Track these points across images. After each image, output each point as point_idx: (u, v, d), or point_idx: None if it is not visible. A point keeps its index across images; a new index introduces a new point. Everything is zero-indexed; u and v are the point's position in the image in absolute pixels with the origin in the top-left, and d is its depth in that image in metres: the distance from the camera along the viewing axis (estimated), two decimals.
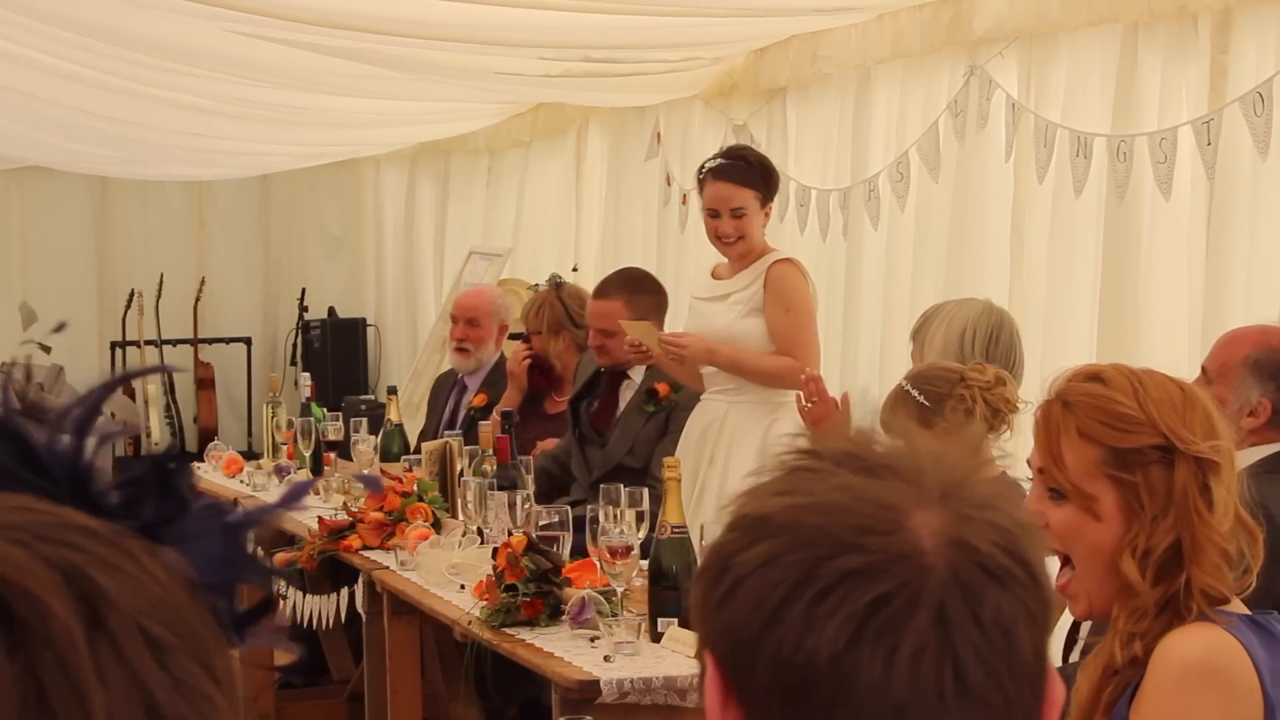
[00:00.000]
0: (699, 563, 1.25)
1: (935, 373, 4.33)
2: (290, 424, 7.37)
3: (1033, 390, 5.62)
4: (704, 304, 5.86)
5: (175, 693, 0.81)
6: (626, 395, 6.35)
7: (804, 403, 4.97)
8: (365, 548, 5.50)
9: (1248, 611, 2.37)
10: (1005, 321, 5.13)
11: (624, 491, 4.72)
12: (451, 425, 6.93)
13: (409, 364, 11.21)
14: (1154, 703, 2.28)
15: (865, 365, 7.01)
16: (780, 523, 1.14)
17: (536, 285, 7.55)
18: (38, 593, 0.78)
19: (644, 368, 6.29)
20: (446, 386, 7.52)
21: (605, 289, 6.52)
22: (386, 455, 6.57)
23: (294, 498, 1.02)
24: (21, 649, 0.77)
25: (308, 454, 7.05)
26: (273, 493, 6.89)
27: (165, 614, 0.82)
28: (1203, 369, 4.08)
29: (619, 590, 4.33)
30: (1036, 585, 1.14)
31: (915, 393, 4.24)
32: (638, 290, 6.50)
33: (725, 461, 5.63)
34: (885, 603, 1.10)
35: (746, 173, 5.71)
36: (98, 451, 0.87)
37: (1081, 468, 2.35)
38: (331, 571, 5.83)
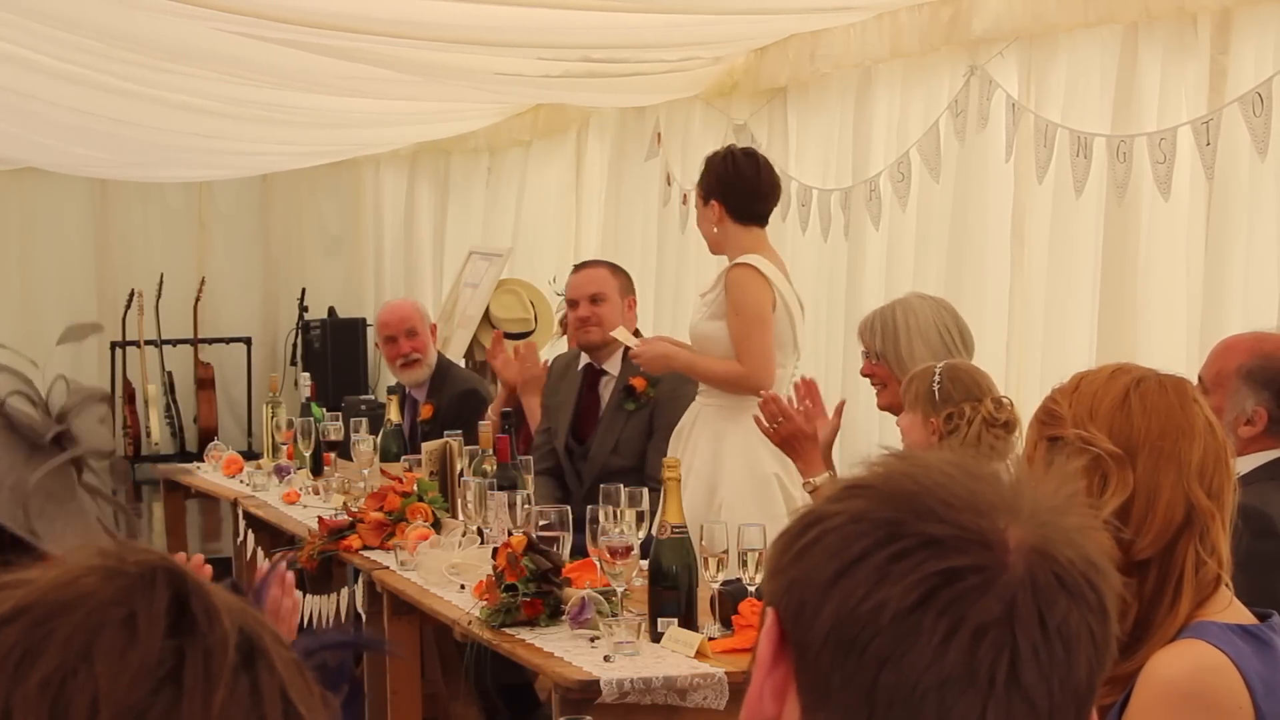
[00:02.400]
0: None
1: (964, 379, 4.36)
2: (290, 424, 7.37)
3: (1029, 389, 5.63)
4: (697, 301, 5.90)
5: None
6: (608, 391, 6.34)
7: (766, 424, 4.87)
8: (365, 548, 5.50)
9: (1250, 618, 2.36)
10: (950, 305, 5.16)
11: (624, 492, 4.72)
12: (413, 440, 6.84)
13: None
14: None
15: None
16: (876, 486, 1.17)
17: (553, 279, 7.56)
18: (217, 607, 0.92)
19: (620, 361, 6.30)
20: (399, 404, 7.43)
21: (586, 263, 6.70)
22: (386, 455, 6.56)
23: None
24: (181, 635, 0.90)
25: (308, 454, 7.05)
26: (272, 493, 6.89)
27: (309, 703, 0.94)
28: (1199, 378, 4.08)
29: (619, 590, 4.33)
30: (1105, 616, 1.16)
31: (935, 382, 4.29)
32: (614, 266, 6.62)
33: (690, 462, 5.62)
34: (958, 576, 1.12)
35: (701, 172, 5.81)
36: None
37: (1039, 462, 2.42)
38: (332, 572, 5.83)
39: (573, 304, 6.40)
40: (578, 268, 6.62)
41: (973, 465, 1.19)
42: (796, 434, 4.81)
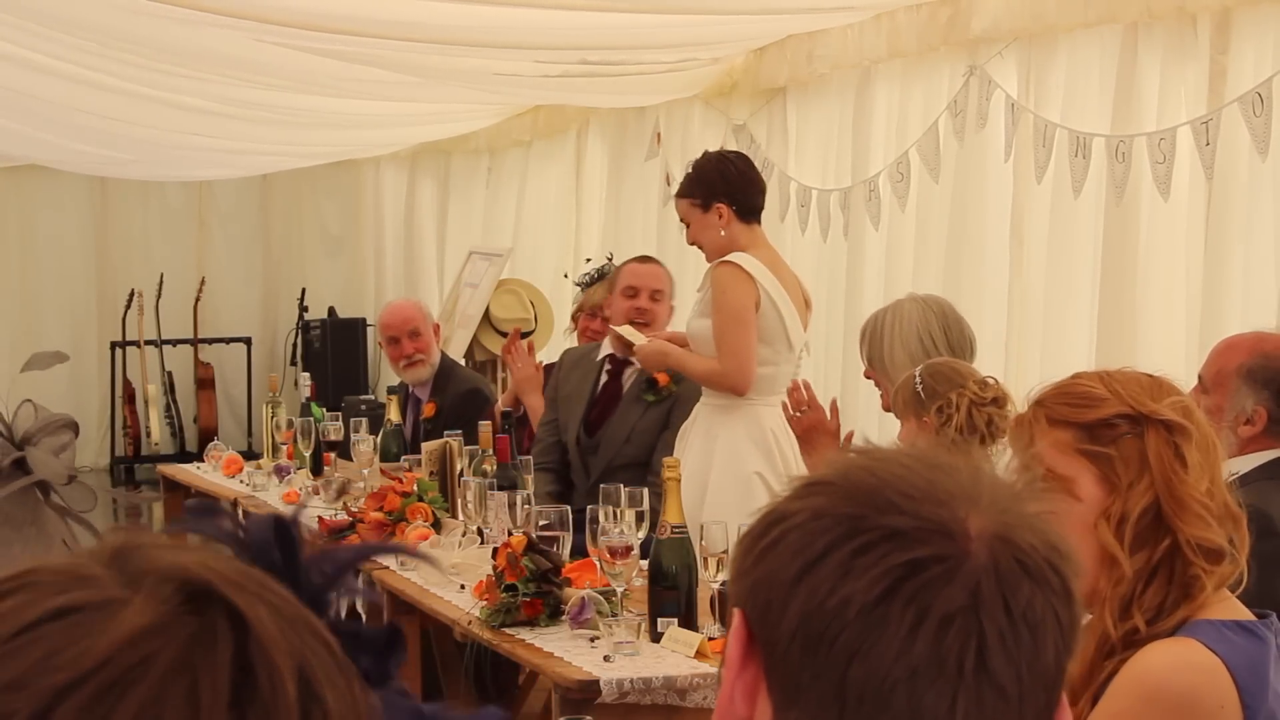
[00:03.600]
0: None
1: (945, 371, 4.36)
2: (290, 424, 7.37)
3: (1028, 389, 5.64)
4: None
5: None
6: (630, 382, 6.32)
7: (792, 412, 4.90)
8: None
9: (1248, 615, 2.36)
10: (943, 307, 5.10)
11: (624, 492, 4.72)
12: (416, 438, 6.82)
13: None
14: (1110, 713, 2.28)
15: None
16: (836, 483, 1.17)
17: (588, 274, 7.47)
18: (281, 669, 0.84)
19: None
20: (400, 402, 7.40)
21: (648, 258, 6.57)
22: (386, 455, 6.56)
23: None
24: (247, 706, 0.83)
25: (308, 454, 7.04)
26: (272, 493, 6.89)
27: None
28: (1199, 378, 4.09)
29: (619, 590, 4.33)
30: (1069, 599, 1.16)
31: (919, 382, 4.29)
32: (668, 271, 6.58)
33: (686, 462, 5.61)
34: (922, 567, 1.12)
35: (685, 183, 5.74)
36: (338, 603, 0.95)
37: (1055, 450, 2.36)
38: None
39: (632, 292, 6.29)
40: (640, 260, 6.54)
41: (931, 456, 1.19)
42: (818, 426, 4.81)
